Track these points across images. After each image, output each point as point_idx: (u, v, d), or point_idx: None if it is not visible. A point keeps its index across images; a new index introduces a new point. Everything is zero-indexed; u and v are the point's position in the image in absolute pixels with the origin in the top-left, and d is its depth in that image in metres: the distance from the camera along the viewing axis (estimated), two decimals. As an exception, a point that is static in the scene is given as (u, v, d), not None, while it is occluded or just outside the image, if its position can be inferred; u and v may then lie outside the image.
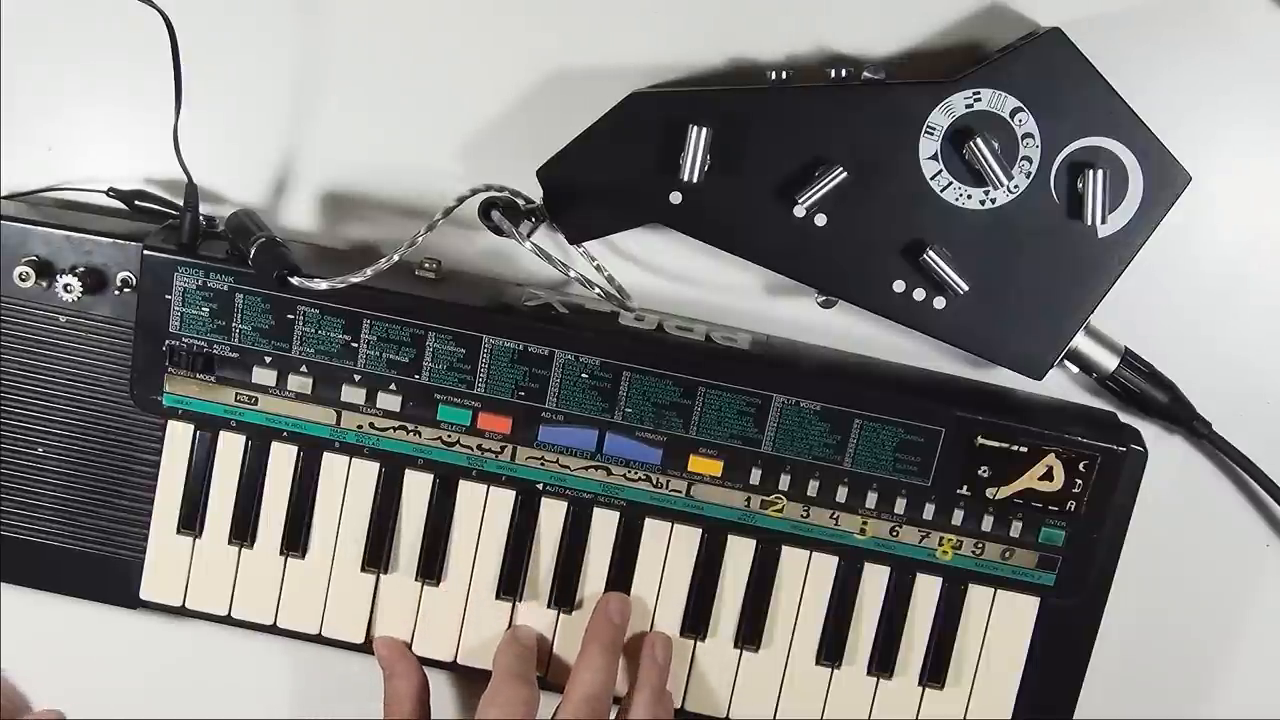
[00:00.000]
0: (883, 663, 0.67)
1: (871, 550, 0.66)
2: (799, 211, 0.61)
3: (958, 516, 0.65)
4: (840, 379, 0.64)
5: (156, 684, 0.72)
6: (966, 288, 0.61)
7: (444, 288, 0.65)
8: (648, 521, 0.66)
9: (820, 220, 0.61)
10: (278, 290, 0.63)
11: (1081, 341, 0.64)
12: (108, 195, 0.67)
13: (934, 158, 0.61)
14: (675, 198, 0.62)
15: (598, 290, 0.65)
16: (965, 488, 0.64)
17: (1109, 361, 0.65)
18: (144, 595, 0.67)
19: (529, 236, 0.63)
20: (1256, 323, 0.67)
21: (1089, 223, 0.61)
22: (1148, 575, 0.68)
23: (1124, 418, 0.67)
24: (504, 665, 0.65)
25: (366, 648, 0.67)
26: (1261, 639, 0.70)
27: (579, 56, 0.65)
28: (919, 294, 0.62)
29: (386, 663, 0.67)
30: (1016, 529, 0.65)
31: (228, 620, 0.67)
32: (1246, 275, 0.66)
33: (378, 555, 0.66)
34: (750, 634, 0.67)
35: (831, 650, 0.67)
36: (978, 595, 0.66)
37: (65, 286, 0.64)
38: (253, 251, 0.62)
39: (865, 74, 0.61)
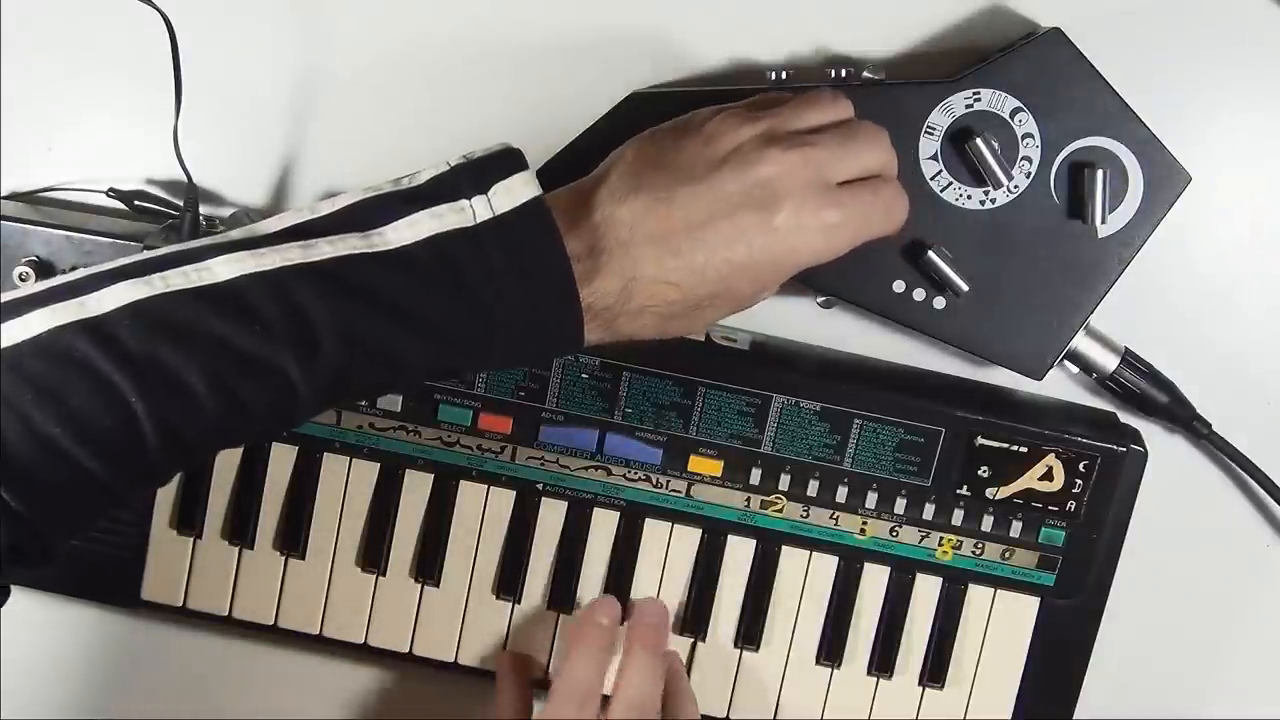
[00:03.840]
0: (883, 663, 0.67)
1: (871, 550, 0.66)
2: (799, 211, 0.61)
3: (958, 516, 0.65)
4: (840, 379, 0.64)
5: (156, 684, 0.72)
6: (966, 288, 0.61)
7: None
8: (648, 522, 0.66)
9: (820, 220, 0.61)
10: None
11: (1081, 341, 0.64)
12: (108, 195, 0.67)
13: (934, 158, 0.61)
14: (675, 198, 0.62)
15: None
16: (965, 488, 0.64)
17: (1109, 361, 0.65)
18: (144, 595, 0.67)
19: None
20: (1256, 323, 0.67)
21: (1089, 223, 0.61)
22: (1148, 575, 0.68)
23: (1124, 418, 0.67)
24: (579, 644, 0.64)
25: (367, 649, 0.67)
26: (1261, 639, 0.70)
27: (579, 56, 0.65)
28: (919, 294, 0.62)
29: (498, 683, 0.66)
30: (1016, 529, 0.65)
31: (228, 621, 0.67)
32: (1246, 275, 0.66)
33: (377, 555, 0.66)
34: (750, 634, 0.67)
35: (831, 650, 0.67)
36: (978, 595, 0.66)
37: (65, 286, 0.64)
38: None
39: (865, 74, 0.61)
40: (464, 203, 0.50)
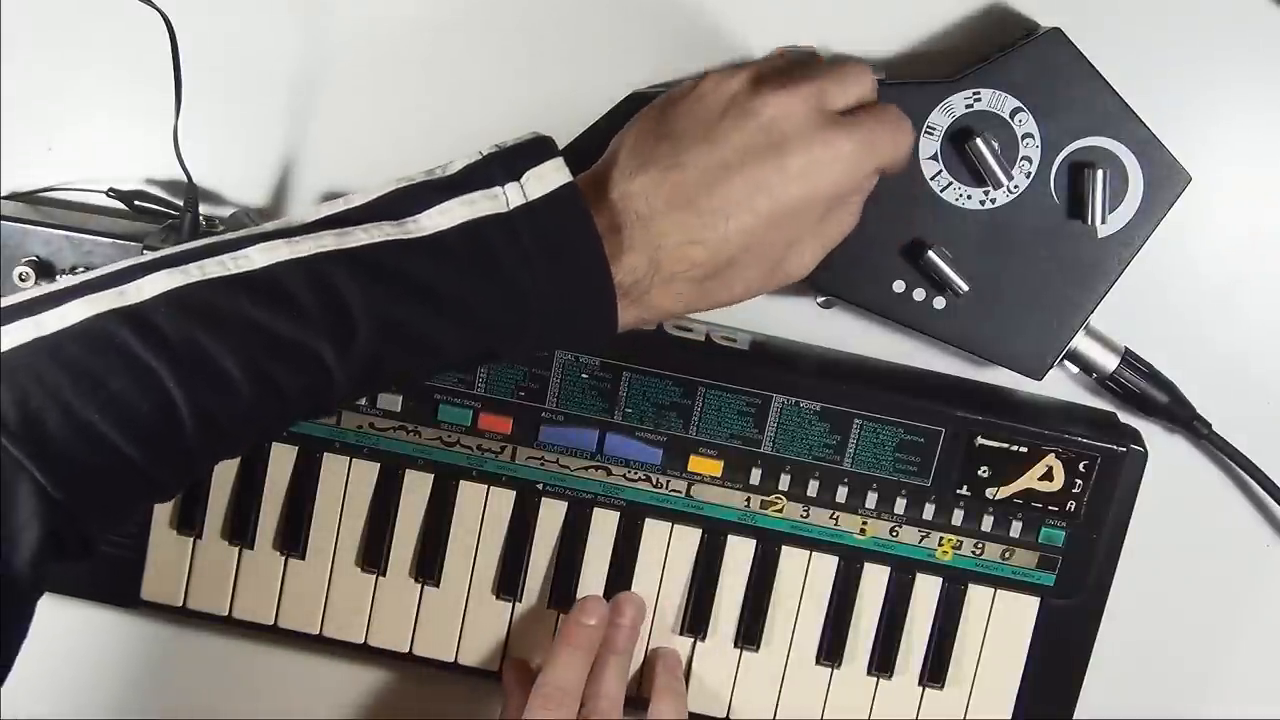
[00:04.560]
0: (883, 663, 0.67)
1: (871, 550, 0.66)
2: (799, 211, 0.61)
3: (958, 516, 0.65)
4: (840, 379, 0.64)
5: (156, 684, 0.72)
6: (966, 288, 0.61)
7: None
8: (647, 521, 0.66)
9: (820, 220, 0.61)
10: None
11: (1081, 341, 0.64)
12: (108, 195, 0.67)
13: (934, 158, 0.61)
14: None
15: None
16: (965, 488, 0.64)
17: (1109, 361, 0.65)
18: (144, 595, 0.67)
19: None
20: (1256, 322, 0.67)
21: (1089, 223, 0.61)
22: (1148, 575, 0.68)
23: (1124, 418, 0.67)
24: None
25: (367, 649, 0.67)
26: (1261, 639, 0.70)
27: (579, 56, 0.65)
28: (919, 294, 0.62)
29: (505, 690, 0.66)
30: (1016, 529, 0.65)
31: (228, 621, 0.67)
32: (1246, 275, 0.66)
33: (377, 555, 0.66)
34: (750, 634, 0.67)
35: (831, 650, 0.67)
36: (978, 595, 0.66)
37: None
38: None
39: (865, 74, 0.61)
40: (497, 190, 0.50)
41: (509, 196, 0.50)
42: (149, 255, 0.49)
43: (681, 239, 0.52)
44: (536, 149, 0.52)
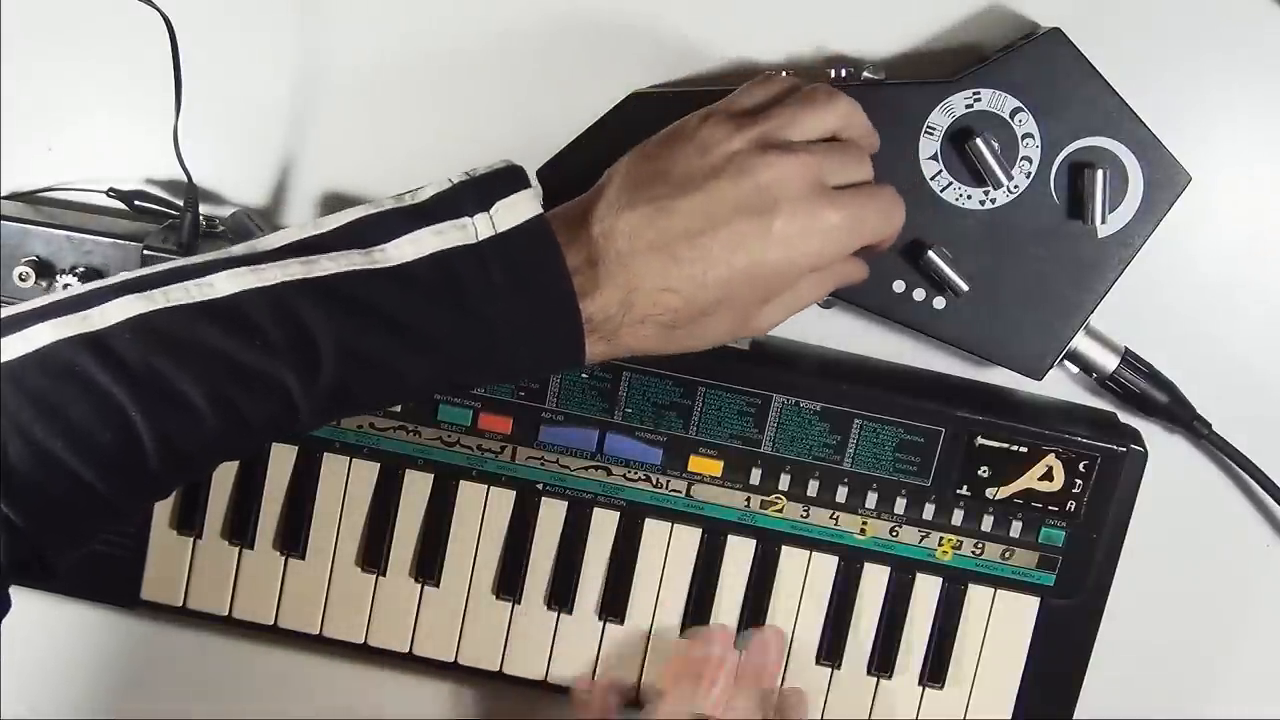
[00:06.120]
0: (883, 663, 0.67)
1: (871, 550, 0.66)
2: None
3: (958, 516, 0.65)
4: (840, 379, 0.64)
5: (156, 684, 0.72)
6: (966, 288, 0.61)
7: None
8: (647, 522, 0.66)
9: (820, 220, 0.61)
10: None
11: (1081, 341, 0.64)
12: (108, 195, 0.67)
13: (934, 158, 0.61)
14: (675, 198, 0.62)
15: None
16: (965, 488, 0.64)
17: (1109, 361, 0.65)
18: (144, 595, 0.67)
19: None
20: (1256, 323, 0.67)
21: (1089, 223, 0.61)
22: (1148, 575, 0.68)
23: (1124, 418, 0.67)
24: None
25: (367, 649, 0.67)
26: (1261, 639, 0.70)
27: (579, 56, 0.65)
28: (919, 294, 0.62)
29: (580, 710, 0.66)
30: (1016, 529, 0.65)
31: (228, 621, 0.67)
32: (1247, 275, 0.66)
33: (377, 555, 0.66)
34: (750, 634, 0.67)
35: (831, 650, 0.67)
36: (978, 595, 0.66)
37: (65, 286, 0.63)
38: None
39: (865, 74, 0.61)
40: (466, 220, 0.50)
41: (478, 228, 0.50)
42: (115, 278, 0.48)
43: (658, 284, 0.51)
44: (508, 179, 0.51)
